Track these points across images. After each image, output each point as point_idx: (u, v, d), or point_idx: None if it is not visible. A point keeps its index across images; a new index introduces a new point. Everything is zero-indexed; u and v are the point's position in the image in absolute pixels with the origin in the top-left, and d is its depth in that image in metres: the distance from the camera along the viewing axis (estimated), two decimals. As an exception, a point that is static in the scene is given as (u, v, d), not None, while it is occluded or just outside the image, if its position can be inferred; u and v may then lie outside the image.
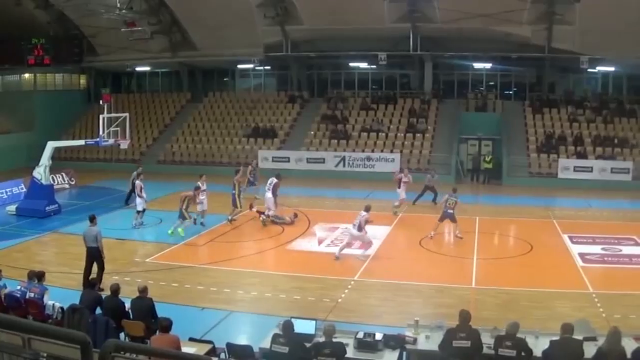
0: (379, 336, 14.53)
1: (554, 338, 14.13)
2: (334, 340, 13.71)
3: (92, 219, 22.05)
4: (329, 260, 26.36)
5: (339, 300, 21.01)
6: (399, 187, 35.92)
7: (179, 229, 29.38)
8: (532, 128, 53.16)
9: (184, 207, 29.50)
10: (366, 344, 14.26)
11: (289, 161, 49.90)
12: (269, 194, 31.97)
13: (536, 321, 18.67)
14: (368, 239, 26.55)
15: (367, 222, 26.16)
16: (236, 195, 32.39)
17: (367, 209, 26.67)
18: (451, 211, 30.49)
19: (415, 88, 59.27)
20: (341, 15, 49.60)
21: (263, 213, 32.44)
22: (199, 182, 31.25)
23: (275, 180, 32.36)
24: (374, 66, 57.21)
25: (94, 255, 21.46)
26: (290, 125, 55.57)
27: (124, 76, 67.68)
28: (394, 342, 14.49)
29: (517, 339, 14.01)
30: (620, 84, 60.40)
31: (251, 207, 33.39)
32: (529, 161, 49.89)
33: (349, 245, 26.50)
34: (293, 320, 14.22)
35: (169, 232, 29.46)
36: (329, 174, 47.93)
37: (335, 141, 52.07)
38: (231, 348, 14.57)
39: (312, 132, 53.45)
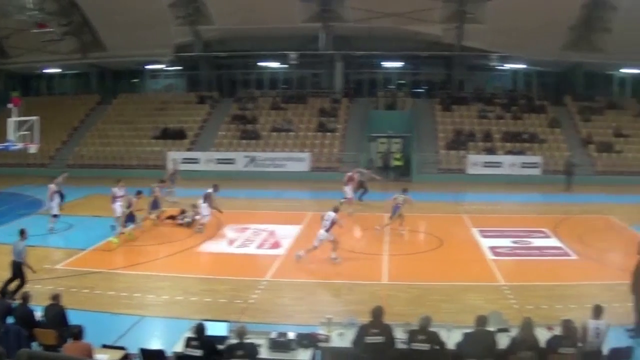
0: (291, 336, 14.60)
1: (467, 330, 14.44)
2: (246, 341, 13.74)
3: (22, 233, 21.63)
4: (240, 262, 26.43)
5: (251, 301, 20.94)
6: (347, 186, 35.93)
7: (126, 232, 29.08)
8: (442, 125, 54.00)
9: (127, 213, 29.22)
10: (279, 344, 14.31)
11: (198, 162, 49.71)
12: (201, 201, 31.65)
13: (448, 315, 19.01)
14: (332, 238, 26.43)
15: (334, 223, 26.08)
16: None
17: (336, 210, 26.69)
18: (399, 205, 30.91)
19: (325, 87, 59.47)
20: (252, 14, 49.62)
21: (174, 217, 32.31)
22: (115, 188, 30.78)
23: (209, 190, 32.04)
24: (285, 65, 57.19)
25: (15, 268, 21.09)
26: (199, 126, 55.27)
27: (34, 79, 66.65)
28: (307, 341, 14.56)
29: (430, 332, 14.23)
30: (529, 80, 62.15)
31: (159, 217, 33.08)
32: (439, 157, 50.71)
33: (315, 248, 26.22)
34: (205, 323, 14.21)
35: (125, 234, 29.08)
36: (239, 175, 47.85)
37: (245, 141, 51.98)
38: (145, 353, 14.47)
39: (222, 133, 53.29)
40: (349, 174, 36.83)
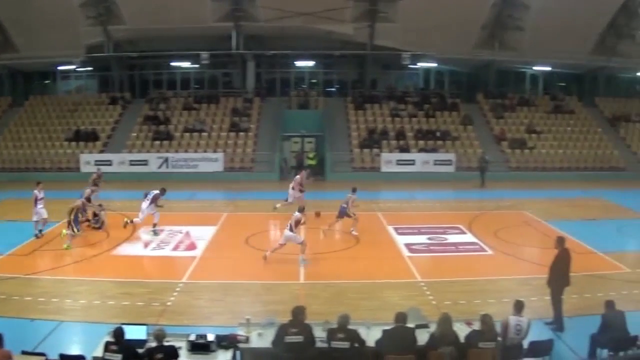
0: (211, 337, 14.48)
1: (387, 327, 14.45)
2: (165, 344, 13.58)
3: None
4: (156, 264, 26.25)
5: (169, 303, 20.74)
6: (293, 188, 35.57)
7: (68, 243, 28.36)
8: (355, 124, 54.17)
9: (72, 218, 28.50)
10: (199, 346, 14.21)
11: (111, 164, 48.83)
12: (145, 204, 31.03)
13: (367, 312, 19.08)
14: (300, 239, 26.26)
15: (298, 223, 25.93)
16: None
17: (301, 210, 26.72)
18: (345, 206, 31.01)
19: (238, 87, 59.19)
20: (164, 14, 49.12)
21: (88, 220, 31.65)
22: (36, 190, 30.11)
23: (156, 192, 31.46)
24: (197, 65, 56.65)
25: None
26: (112, 128, 54.35)
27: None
28: (227, 342, 14.49)
29: (349, 330, 14.26)
30: (441, 79, 62.93)
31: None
32: (352, 156, 50.81)
33: (281, 246, 26.06)
34: (124, 326, 13.98)
35: (65, 246, 28.23)
36: (152, 176, 47.12)
37: (158, 142, 51.39)
38: (64, 359, 14.18)
39: (134, 134, 52.56)
40: (297, 177, 36.51)
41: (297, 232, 26.38)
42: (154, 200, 30.54)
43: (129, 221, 30.44)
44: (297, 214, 26.28)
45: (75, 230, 28.24)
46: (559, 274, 18.92)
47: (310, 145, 54.38)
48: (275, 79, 61.59)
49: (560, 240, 19.41)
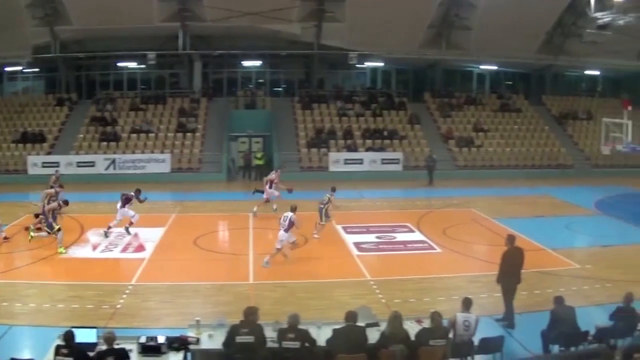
0: (161, 339, 14.37)
1: (337, 327, 14.47)
2: (115, 347, 13.43)
3: None
4: (105, 266, 25.92)
5: (118, 306, 20.56)
6: (270, 188, 35.43)
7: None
8: (302, 124, 54.21)
9: (50, 219, 28.20)
10: (149, 348, 14.10)
11: (58, 166, 47.79)
12: (119, 205, 30.72)
13: (317, 312, 19.14)
14: (293, 239, 26.34)
15: (292, 223, 25.78)
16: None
17: (293, 209, 26.46)
18: (322, 207, 30.74)
19: (185, 87, 58.90)
20: (111, 14, 48.61)
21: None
22: None
23: (129, 193, 31.14)
24: (143, 66, 56.28)
25: None
26: (59, 129, 53.63)
27: None
28: (177, 343, 14.40)
29: (300, 330, 14.25)
30: (388, 78, 63.05)
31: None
32: (300, 156, 50.77)
33: (278, 251, 25.93)
34: (74, 330, 13.81)
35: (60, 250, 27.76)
36: (100, 178, 46.82)
37: (105, 143, 50.85)
38: (16, 364, 14.03)
39: (81, 135, 51.97)
40: (272, 176, 36.41)
41: (292, 232, 26.22)
42: (126, 202, 30.28)
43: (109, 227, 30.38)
44: (290, 214, 26.10)
45: (52, 228, 28.04)
46: (510, 271, 19.08)
47: (258, 145, 54.22)
48: (223, 79, 61.35)
49: (511, 238, 19.60)
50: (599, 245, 30.12)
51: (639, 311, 17.37)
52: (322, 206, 30.77)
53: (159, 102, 56.38)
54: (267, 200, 35.45)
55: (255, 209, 35.19)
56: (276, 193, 35.52)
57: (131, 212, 30.27)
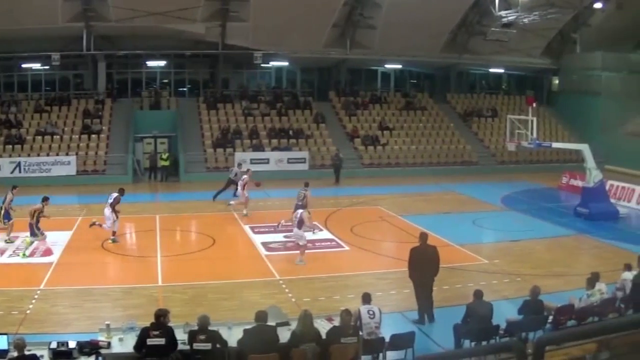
0: (72, 344, 14.25)
1: (247, 327, 14.58)
2: (27, 353, 13.28)
3: None
4: (12, 272, 25.38)
5: (27, 311, 20.32)
6: (243, 189, 35.39)
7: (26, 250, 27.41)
8: (207, 124, 54.01)
9: (35, 222, 27.66)
10: (60, 354, 13.96)
11: (-37, 170, 47.38)
12: (107, 210, 30.01)
13: (227, 312, 19.30)
14: (304, 240, 26.64)
15: (301, 223, 26.20)
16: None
17: (304, 206, 27.74)
18: (300, 203, 30.94)
19: (89, 88, 58.13)
20: (13, 14, 47.68)
21: None
22: None
23: (116, 194, 30.70)
24: (47, 67, 55.45)
25: None
26: (-36, 133, 52.61)
27: None
28: (88, 348, 14.28)
29: (210, 331, 14.32)
30: (293, 78, 63.29)
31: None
32: (206, 156, 50.59)
33: (305, 246, 26.53)
34: (-16, 337, 13.68)
35: (21, 255, 27.22)
36: (5, 182, 45.05)
37: (10, 146, 49.89)
38: None
39: (-15, 139, 51.05)
40: (245, 177, 36.33)
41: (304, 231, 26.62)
42: (115, 203, 29.99)
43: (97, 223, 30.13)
44: (301, 211, 26.67)
45: (40, 234, 27.84)
46: (421, 268, 19.39)
47: (164, 146, 53.78)
48: (127, 79, 60.77)
49: (423, 236, 19.95)
50: (506, 240, 30.89)
51: (546, 304, 17.88)
52: (299, 203, 31.10)
53: (63, 103, 55.49)
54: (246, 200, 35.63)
55: (245, 212, 35.38)
56: (246, 194, 35.56)
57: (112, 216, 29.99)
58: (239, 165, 41.59)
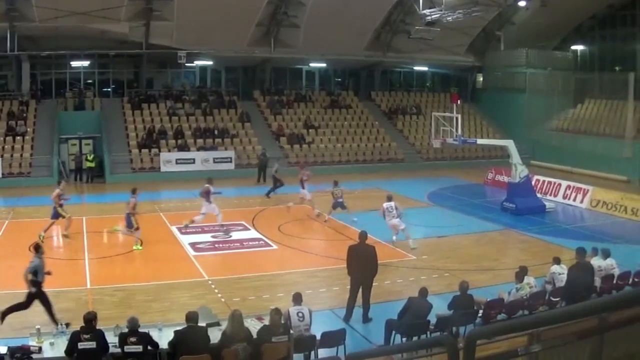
0: (3, 350, 14.22)
1: (178, 328, 14.68)
2: (-43, 361, 13.30)
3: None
4: None
5: (-45, 317, 20.04)
6: (303, 187, 36.33)
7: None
8: (132, 124, 53.80)
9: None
10: (-9, 359, 13.93)
11: None
12: (208, 205, 30.94)
13: (157, 314, 19.35)
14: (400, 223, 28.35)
15: (387, 210, 28.48)
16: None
17: (390, 198, 29.00)
18: (340, 200, 32.61)
19: (13, 89, 57.45)
20: None
21: None
22: None
23: (206, 184, 31.53)
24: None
25: None
26: None
27: None
28: (20, 353, 14.21)
29: (141, 333, 14.38)
30: (218, 77, 63.21)
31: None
32: (131, 157, 50.39)
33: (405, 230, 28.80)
34: None
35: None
36: None
37: None
38: None
39: None
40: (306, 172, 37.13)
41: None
42: (205, 192, 31.37)
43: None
44: (386, 203, 29.13)
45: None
46: (360, 267, 19.66)
47: (89, 147, 53.32)
48: (51, 80, 60.17)
49: (362, 234, 20.28)
50: (434, 236, 31.36)
51: (476, 298, 18.29)
52: (340, 200, 32.71)
53: (-14, 105, 54.91)
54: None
55: (290, 203, 36.45)
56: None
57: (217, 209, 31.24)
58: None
